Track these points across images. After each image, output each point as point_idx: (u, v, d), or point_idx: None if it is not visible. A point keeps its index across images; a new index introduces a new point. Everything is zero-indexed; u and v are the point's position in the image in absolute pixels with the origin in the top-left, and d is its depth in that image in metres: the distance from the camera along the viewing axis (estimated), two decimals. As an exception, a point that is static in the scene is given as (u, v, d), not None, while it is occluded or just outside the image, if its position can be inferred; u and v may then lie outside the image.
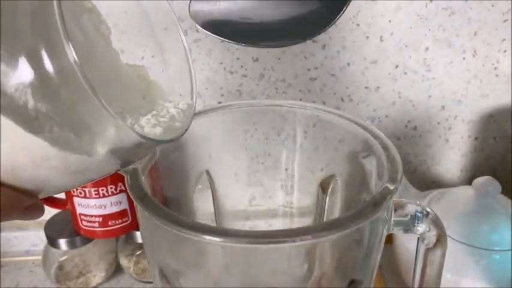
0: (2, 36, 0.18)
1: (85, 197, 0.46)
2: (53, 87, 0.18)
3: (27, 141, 0.19)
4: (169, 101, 0.27)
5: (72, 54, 0.17)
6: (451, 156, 0.58)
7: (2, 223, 0.58)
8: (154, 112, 0.25)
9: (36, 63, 0.18)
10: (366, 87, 0.53)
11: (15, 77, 0.18)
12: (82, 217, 0.48)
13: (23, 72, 0.18)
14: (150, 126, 0.23)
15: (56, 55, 0.18)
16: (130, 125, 0.21)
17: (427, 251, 0.29)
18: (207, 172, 0.36)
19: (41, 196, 0.23)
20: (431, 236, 0.28)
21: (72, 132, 0.19)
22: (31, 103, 0.18)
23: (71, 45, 0.17)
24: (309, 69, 0.52)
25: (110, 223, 0.48)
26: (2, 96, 0.18)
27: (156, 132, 0.23)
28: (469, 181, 0.54)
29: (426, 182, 0.59)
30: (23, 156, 0.20)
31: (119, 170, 0.25)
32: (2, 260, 0.57)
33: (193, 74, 0.27)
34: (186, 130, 0.25)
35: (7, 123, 0.18)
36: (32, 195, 0.22)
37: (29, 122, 0.19)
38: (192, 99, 0.27)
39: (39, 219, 0.60)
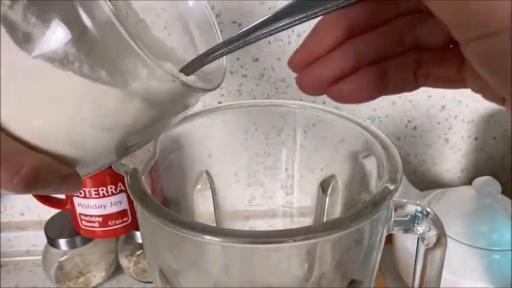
0: None
1: (85, 197, 0.46)
2: (88, 41, 0.19)
3: (60, 83, 0.19)
4: None
5: (107, 3, 0.18)
6: (451, 156, 0.58)
7: (2, 223, 0.58)
8: None
9: (72, 18, 0.18)
10: (366, 87, 0.53)
11: (50, 33, 0.18)
12: (82, 217, 0.48)
13: (57, 29, 0.18)
14: (182, 76, 0.23)
15: (91, 9, 0.18)
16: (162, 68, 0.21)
17: (427, 251, 0.29)
18: (207, 172, 0.36)
19: (79, 168, 0.22)
20: (431, 236, 0.28)
21: (105, 76, 0.19)
22: (66, 55, 0.19)
23: None
24: (309, 69, 0.52)
25: (109, 223, 0.48)
26: (36, 50, 0.18)
27: (188, 79, 0.23)
28: (469, 181, 0.54)
29: (426, 182, 0.59)
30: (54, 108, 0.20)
31: (150, 134, 0.24)
32: (2, 260, 0.57)
33: (220, 39, 0.27)
34: (218, 85, 0.25)
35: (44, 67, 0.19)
36: (68, 163, 0.22)
37: (64, 64, 0.19)
38: (222, 60, 0.27)
39: (40, 218, 0.60)
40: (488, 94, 0.20)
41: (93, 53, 0.19)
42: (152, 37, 0.26)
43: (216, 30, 0.27)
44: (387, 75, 0.22)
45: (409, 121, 0.55)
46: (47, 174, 0.20)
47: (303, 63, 0.22)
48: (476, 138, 0.57)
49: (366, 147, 0.31)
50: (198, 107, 0.35)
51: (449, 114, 0.55)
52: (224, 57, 0.26)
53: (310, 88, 0.22)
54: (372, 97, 0.22)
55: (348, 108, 0.54)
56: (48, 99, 0.20)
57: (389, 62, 0.22)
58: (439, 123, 0.56)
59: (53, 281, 0.52)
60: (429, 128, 0.56)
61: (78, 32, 0.18)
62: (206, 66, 0.25)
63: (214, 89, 0.24)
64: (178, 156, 0.34)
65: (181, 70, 0.23)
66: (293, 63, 0.23)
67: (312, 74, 0.22)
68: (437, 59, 0.21)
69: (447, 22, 0.17)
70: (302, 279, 0.34)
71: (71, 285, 0.52)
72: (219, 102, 0.53)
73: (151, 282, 0.53)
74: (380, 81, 0.22)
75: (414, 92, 0.57)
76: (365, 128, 0.32)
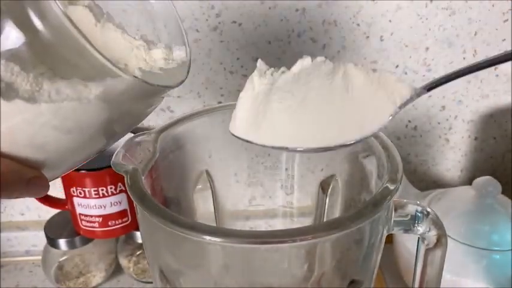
0: None
1: (85, 197, 0.46)
2: (42, 44, 0.19)
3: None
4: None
5: (57, 5, 0.18)
6: (451, 156, 0.58)
7: (2, 223, 0.58)
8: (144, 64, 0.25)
9: (24, 24, 0.18)
10: (366, 87, 0.53)
11: (4, 41, 0.18)
12: (82, 217, 0.48)
13: (11, 36, 0.18)
14: (136, 68, 0.22)
15: (42, 10, 0.18)
16: (117, 66, 0.20)
17: (427, 251, 0.29)
18: (207, 172, 0.36)
19: (45, 171, 0.22)
20: (432, 236, 0.28)
21: (62, 81, 0.19)
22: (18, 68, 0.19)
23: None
24: (309, 69, 0.52)
25: (109, 223, 0.48)
26: None
27: (145, 75, 0.22)
28: (469, 181, 0.54)
29: (426, 182, 0.59)
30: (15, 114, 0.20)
31: (115, 133, 0.24)
32: (2, 260, 0.57)
33: (184, 35, 0.27)
34: (181, 82, 0.24)
35: None
36: (34, 166, 0.21)
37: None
38: (186, 56, 0.27)
39: (39, 218, 0.60)
40: None
41: (47, 55, 0.19)
42: (116, 35, 0.25)
43: (182, 29, 0.27)
44: None
45: (409, 121, 0.55)
46: (12, 178, 0.20)
47: None
48: (476, 138, 0.57)
49: (366, 147, 0.31)
50: (198, 107, 0.34)
51: (449, 114, 0.55)
52: (188, 52, 0.26)
53: None
54: None
55: (348, 108, 0.54)
56: (5, 107, 0.19)
57: None
58: (439, 123, 0.56)
59: (53, 281, 0.52)
60: (429, 128, 0.56)
61: (31, 35, 0.18)
62: (169, 63, 0.25)
63: (176, 86, 0.24)
64: (178, 156, 0.34)
65: None
66: None
67: None
68: None
69: None
70: (302, 279, 0.34)
71: (71, 285, 0.52)
72: (219, 102, 0.53)
73: (151, 283, 0.52)
74: None
75: (414, 92, 0.56)
76: (365, 128, 0.32)
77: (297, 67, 0.26)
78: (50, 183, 0.23)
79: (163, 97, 0.25)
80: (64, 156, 0.23)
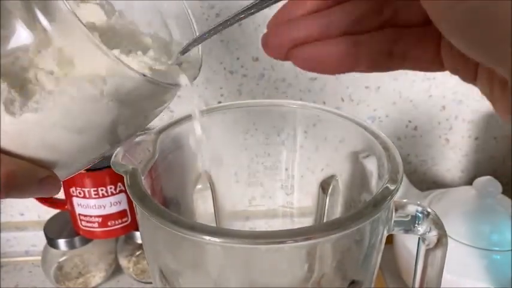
0: None
1: (84, 197, 0.46)
2: (51, 43, 0.19)
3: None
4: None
5: (65, 4, 0.18)
6: (452, 157, 0.58)
7: (1, 223, 0.58)
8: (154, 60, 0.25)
9: (33, 24, 0.18)
10: (366, 87, 0.53)
11: (13, 41, 0.18)
12: (81, 217, 0.48)
13: (20, 35, 0.18)
14: (146, 67, 0.23)
15: (49, 10, 0.18)
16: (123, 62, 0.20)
17: (428, 251, 0.29)
18: (207, 172, 0.36)
19: (57, 170, 0.22)
20: (432, 236, 0.28)
21: (71, 80, 0.20)
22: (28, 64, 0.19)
23: None
24: (309, 69, 0.52)
25: (109, 223, 0.48)
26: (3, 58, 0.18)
27: (154, 74, 0.22)
28: (469, 181, 0.54)
29: (427, 182, 0.59)
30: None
31: (125, 132, 0.24)
32: (1, 260, 0.57)
33: (195, 28, 0.27)
34: (194, 78, 0.25)
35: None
36: (46, 165, 0.22)
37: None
38: (198, 52, 0.27)
39: (39, 218, 0.60)
40: (467, 74, 0.19)
41: (56, 54, 0.19)
42: (129, 32, 0.25)
43: (194, 27, 0.27)
44: (359, 49, 0.20)
45: (409, 121, 0.55)
46: (24, 178, 0.20)
47: (276, 23, 0.21)
48: (476, 138, 0.57)
49: (367, 147, 0.31)
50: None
51: (449, 114, 0.55)
52: (200, 50, 0.26)
53: (271, 46, 0.20)
54: (338, 69, 0.20)
55: (348, 108, 0.54)
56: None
57: (363, 36, 0.20)
58: (439, 123, 0.56)
59: (53, 282, 0.52)
60: (430, 128, 0.56)
61: (40, 34, 0.18)
62: (180, 60, 0.25)
63: (175, 85, 0.24)
64: (178, 156, 0.34)
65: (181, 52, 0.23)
66: (269, 23, 0.21)
67: (277, 31, 0.20)
68: (415, 37, 0.20)
69: None
70: (302, 279, 0.34)
71: (71, 286, 0.52)
72: (219, 102, 0.53)
73: (150, 283, 0.52)
74: (349, 53, 0.20)
75: (415, 92, 0.57)
76: (365, 128, 0.32)
77: None
78: None
79: (175, 95, 0.25)
80: (75, 156, 0.23)
